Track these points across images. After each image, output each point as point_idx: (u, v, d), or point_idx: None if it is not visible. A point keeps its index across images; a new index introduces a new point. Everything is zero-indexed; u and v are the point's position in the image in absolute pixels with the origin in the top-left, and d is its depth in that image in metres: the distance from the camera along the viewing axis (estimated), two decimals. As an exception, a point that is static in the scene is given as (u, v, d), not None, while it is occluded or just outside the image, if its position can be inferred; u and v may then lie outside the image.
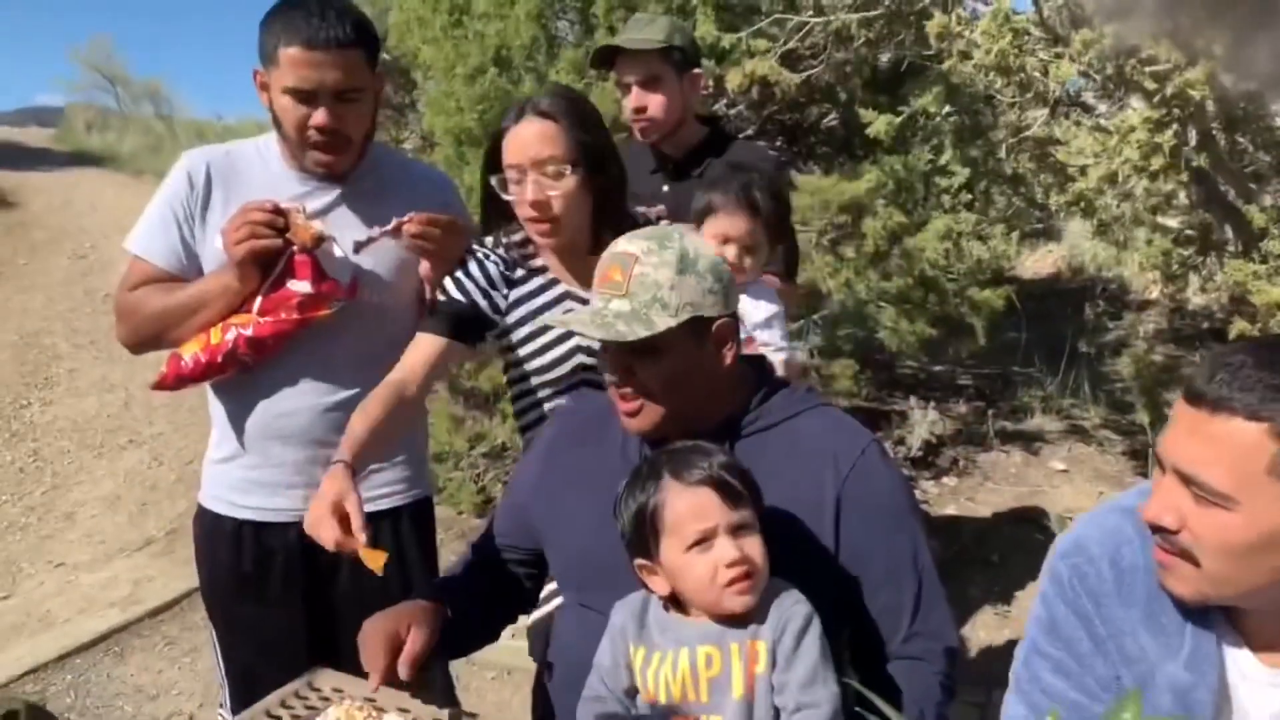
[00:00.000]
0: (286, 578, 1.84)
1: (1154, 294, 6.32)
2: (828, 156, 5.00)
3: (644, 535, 1.25)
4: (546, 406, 1.85)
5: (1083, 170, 3.42)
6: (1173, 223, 4.10)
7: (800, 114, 4.95)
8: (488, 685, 2.84)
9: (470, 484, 4.24)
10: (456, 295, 1.77)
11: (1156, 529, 1.09)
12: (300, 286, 1.68)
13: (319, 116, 1.68)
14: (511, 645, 2.78)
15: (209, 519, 1.87)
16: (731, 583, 1.20)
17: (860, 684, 1.18)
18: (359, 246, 1.75)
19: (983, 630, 3.43)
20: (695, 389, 1.39)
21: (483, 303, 1.77)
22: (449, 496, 4.26)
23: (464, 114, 3.93)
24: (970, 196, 4.61)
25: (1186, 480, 1.05)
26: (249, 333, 1.69)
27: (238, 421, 1.81)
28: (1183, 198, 3.86)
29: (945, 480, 4.56)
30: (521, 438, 1.97)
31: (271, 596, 1.85)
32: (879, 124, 4.00)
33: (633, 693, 1.28)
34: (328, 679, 1.51)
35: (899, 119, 4.11)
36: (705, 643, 1.23)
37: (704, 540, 1.21)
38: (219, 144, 1.88)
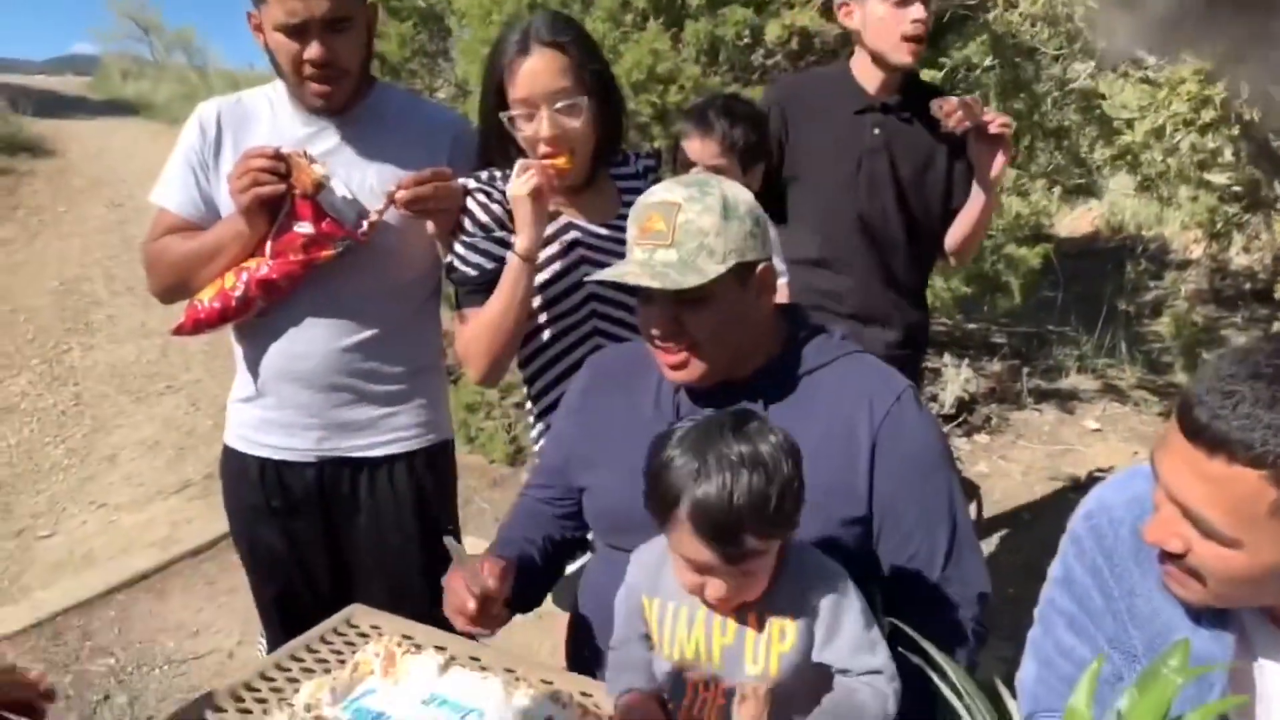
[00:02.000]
0: (307, 515, 1.90)
1: (1195, 253, 6.19)
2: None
3: (658, 515, 1.17)
4: (553, 350, 1.82)
5: (1129, 124, 3.33)
6: (1219, 179, 3.99)
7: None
8: (515, 627, 2.88)
9: (502, 433, 4.28)
10: (471, 264, 1.75)
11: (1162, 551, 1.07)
12: (303, 228, 1.70)
13: (312, 50, 1.68)
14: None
15: (234, 457, 1.92)
16: (713, 602, 1.17)
17: (891, 630, 1.19)
18: (366, 233, 1.73)
19: (1011, 587, 3.43)
20: (740, 335, 1.38)
21: (494, 256, 1.74)
22: (481, 446, 4.31)
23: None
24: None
25: (1188, 514, 1.02)
26: (260, 275, 1.72)
27: (255, 363, 1.84)
28: (1229, 154, 3.76)
29: (977, 438, 4.53)
30: (528, 387, 1.91)
31: (294, 532, 1.91)
32: (922, 76, 3.92)
33: (649, 641, 1.28)
34: (365, 616, 1.54)
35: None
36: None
37: (699, 569, 1.15)
38: (234, 93, 1.90)
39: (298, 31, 1.67)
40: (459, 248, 1.76)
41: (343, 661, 1.38)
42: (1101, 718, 0.74)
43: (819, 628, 1.18)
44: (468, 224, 1.75)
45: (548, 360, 1.85)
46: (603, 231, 1.82)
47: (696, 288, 1.29)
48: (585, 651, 1.54)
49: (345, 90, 1.76)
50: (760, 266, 1.37)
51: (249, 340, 1.86)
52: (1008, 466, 4.31)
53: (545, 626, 2.58)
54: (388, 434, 1.88)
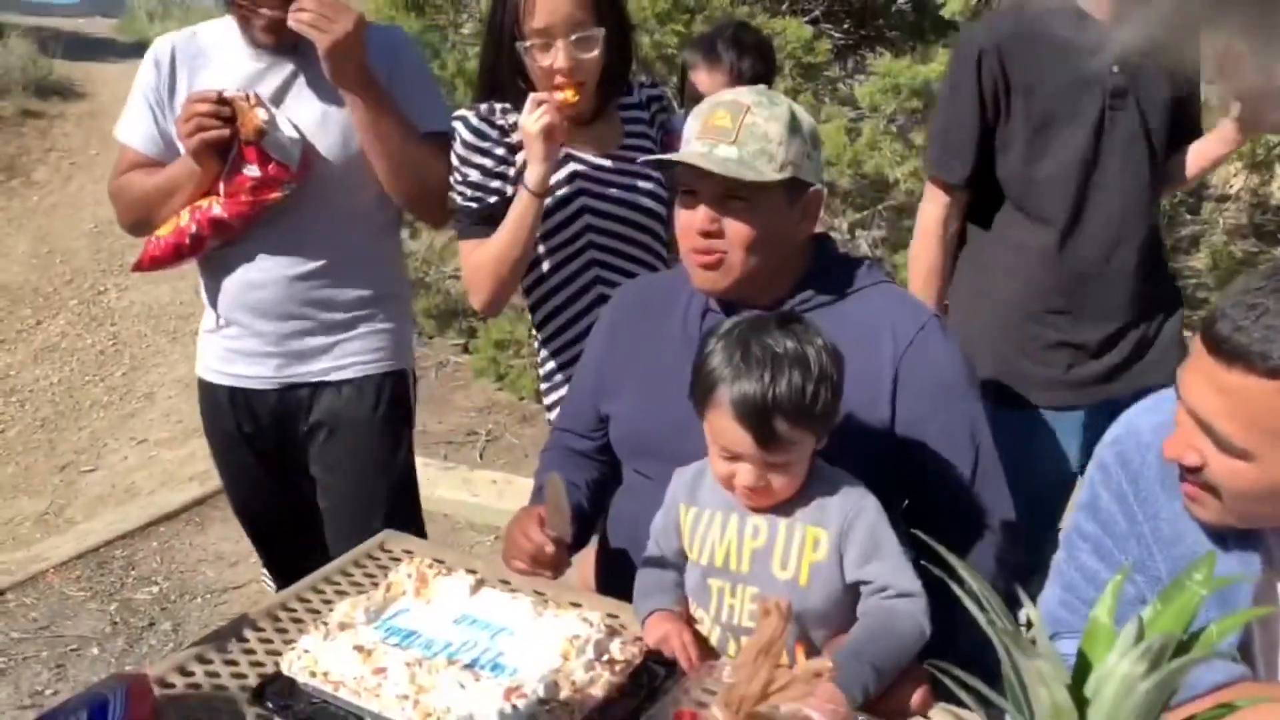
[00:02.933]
0: (274, 441, 1.96)
1: (1235, 187, 6.02)
2: (898, 40, 4.79)
3: (698, 401, 1.24)
4: (553, 280, 1.84)
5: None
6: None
7: (870, -5, 4.73)
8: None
9: (531, 370, 4.30)
10: (471, 197, 1.77)
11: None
12: (251, 171, 1.73)
13: None
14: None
15: (205, 388, 1.98)
16: (742, 493, 1.23)
17: (914, 559, 1.20)
18: (302, 170, 1.77)
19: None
20: (775, 252, 1.38)
21: (495, 190, 1.77)
22: (511, 383, 4.34)
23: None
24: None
25: (1204, 427, 1.02)
26: (211, 214, 1.75)
27: (216, 296, 1.90)
28: (1277, 81, 3.63)
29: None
30: (531, 315, 1.93)
31: (266, 457, 1.98)
32: (954, 3, 3.81)
33: (682, 555, 1.32)
34: (397, 541, 1.58)
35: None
36: (754, 513, 1.25)
37: (731, 457, 1.21)
38: (188, 28, 1.91)
39: None
40: (461, 180, 1.78)
41: (376, 584, 1.41)
42: (1123, 627, 0.74)
43: (853, 545, 1.21)
44: (471, 156, 1.77)
45: (548, 290, 1.86)
46: (603, 163, 1.82)
47: (747, 187, 1.30)
48: (614, 579, 1.56)
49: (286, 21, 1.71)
50: (811, 189, 1.38)
51: (210, 274, 1.90)
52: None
53: (566, 575, 2.62)
54: (342, 359, 1.92)
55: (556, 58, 1.69)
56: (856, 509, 1.22)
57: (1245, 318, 0.96)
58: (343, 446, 1.94)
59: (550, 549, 1.36)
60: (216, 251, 1.83)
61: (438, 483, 3.69)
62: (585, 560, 1.74)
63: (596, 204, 1.81)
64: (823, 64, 4.04)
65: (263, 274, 1.84)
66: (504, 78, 1.78)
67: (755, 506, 1.24)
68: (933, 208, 2.04)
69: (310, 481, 1.99)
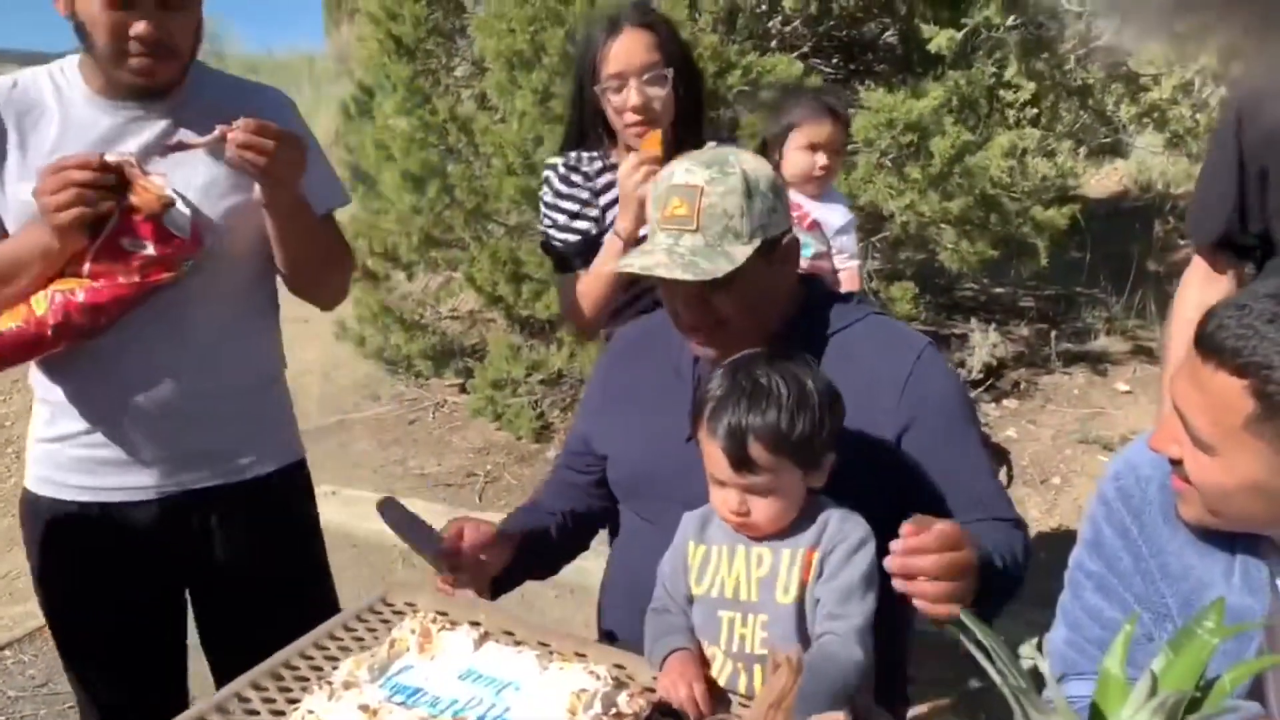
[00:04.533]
0: (147, 559, 1.67)
1: (1227, 210, 6.07)
2: (886, 74, 4.85)
3: (693, 427, 1.30)
4: (625, 316, 1.95)
5: (1155, 79, 3.27)
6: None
7: (858, 30, 4.79)
8: (551, 602, 2.92)
9: (528, 410, 4.30)
10: (559, 239, 1.96)
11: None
12: (141, 248, 1.48)
13: (140, 26, 1.46)
14: (574, 564, 2.87)
15: (43, 505, 1.65)
16: (730, 521, 1.28)
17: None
18: (165, 150, 1.53)
19: (1044, 552, 3.41)
20: (767, 308, 1.41)
21: (580, 231, 1.95)
22: (508, 423, 4.33)
23: (516, 36, 3.88)
24: (1036, 111, 4.45)
25: (1182, 418, 1.06)
26: (83, 300, 1.47)
27: (81, 396, 1.60)
28: (1262, 107, 3.68)
29: (1006, 403, 4.50)
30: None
31: (131, 579, 1.68)
32: (940, 38, 3.87)
33: (689, 599, 1.33)
34: (400, 594, 1.56)
35: (961, 33, 3.97)
36: (759, 543, 1.28)
37: (718, 484, 1.27)
38: (4, 76, 1.60)
39: (125, 4, 1.45)
40: (551, 224, 1.98)
41: (379, 639, 1.40)
42: (1136, 679, 0.74)
43: (828, 564, 1.24)
44: (559, 202, 1.97)
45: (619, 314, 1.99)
46: None
47: (730, 272, 1.31)
48: (614, 621, 1.56)
49: (171, 72, 1.54)
50: (785, 239, 1.39)
51: (67, 370, 1.59)
52: (1037, 431, 4.28)
53: (579, 601, 2.61)
54: (241, 459, 1.70)
55: (630, 96, 1.86)
56: (844, 533, 1.25)
57: (1230, 317, 1.00)
58: (253, 551, 1.73)
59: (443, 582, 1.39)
60: (76, 344, 1.52)
61: (436, 526, 3.67)
62: (591, 604, 1.74)
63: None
64: (812, 99, 4.08)
65: (144, 365, 1.58)
66: (587, 127, 1.98)
67: (752, 536, 1.28)
68: (1187, 277, 1.84)
69: (180, 594, 1.76)
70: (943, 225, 4.12)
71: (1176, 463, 1.09)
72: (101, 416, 1.60)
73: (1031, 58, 4.25)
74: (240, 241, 1.63)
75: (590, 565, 1.91)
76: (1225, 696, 0.71)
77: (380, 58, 4.48)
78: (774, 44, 4.43)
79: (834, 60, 4.79)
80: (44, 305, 1.47)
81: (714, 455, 1.25)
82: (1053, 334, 4.98)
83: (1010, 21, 4.12)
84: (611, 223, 1.93)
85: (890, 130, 3.85)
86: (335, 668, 1.29)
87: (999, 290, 5.51)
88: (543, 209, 2.01)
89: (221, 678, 1.76)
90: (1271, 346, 0.96)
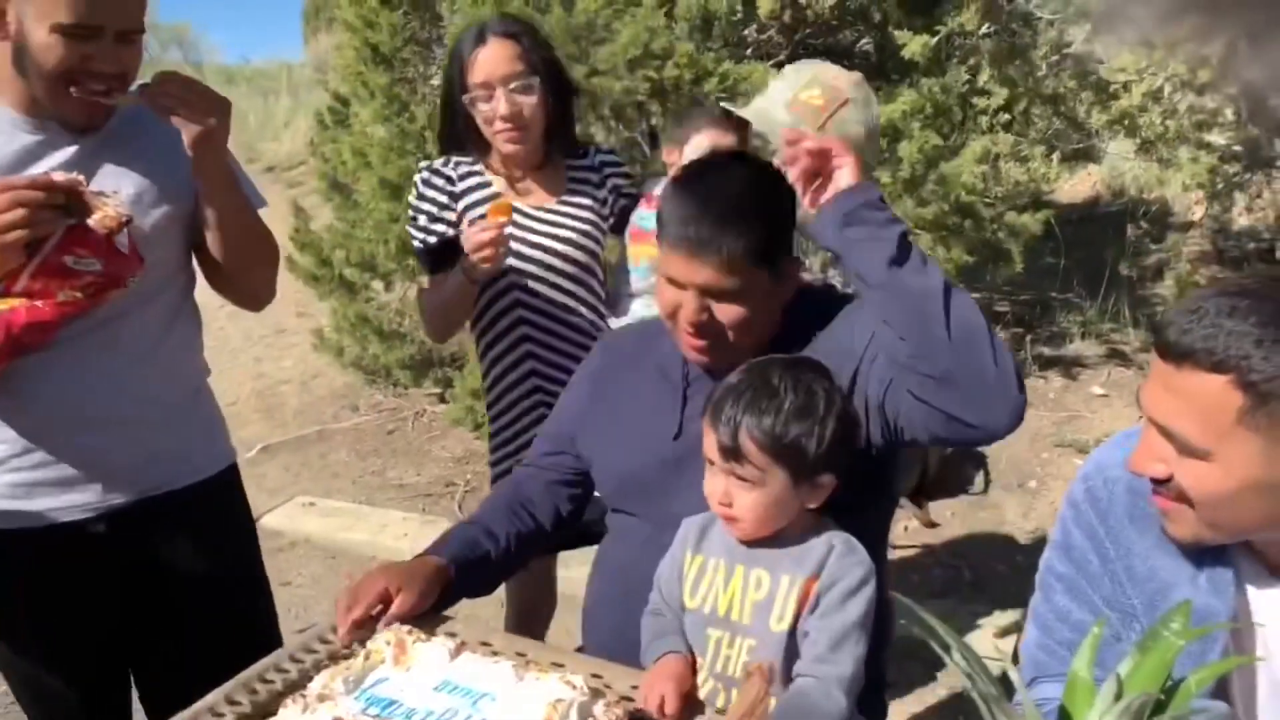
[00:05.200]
0: (92, 581, 1.65)
1: (1197, 215, 6.15)
2: (861, 81, 4.89)
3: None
4: (484, 320, 2.07)
5: (1125, 86, 3.31)
6: (1219, 140, 3.97)
7: (833, 38, 4.82)
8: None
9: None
10: (422, 235, 2.03)
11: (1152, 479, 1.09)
12: (87, 265, 1.47)
13: (101, 63, 1.46)
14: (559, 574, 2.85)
15: None
16: (716, 510, 1.30)
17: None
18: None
19: (1019, 555, 3.44)
20: (763, 322, 1.44)
21: (438, 233, 2.02)
22: (488, 431, 4.31)
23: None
24: (1009, 118, 4.49)
25: (1164, 432, 1.04)
26: (27, 319, 1.45)
27: (14, 418, 1.56)
28: (1229, 113, 3.73)
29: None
30: (483, 355, 2.11)
31: (73, 603, 1.64)
32: (914, 45, 3.90)
33: (683, 605, 1.33)
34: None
35: (934, 39, 4.00)
36: (758, 565, 1.27)
37: (709, 464, 1.30)
38: None
39: (84, 36, 1.43)
40: (414, 223, 2.05)
41: (354, 651, 1.39)
42: (1103, 681, 0.75)
43: (824, 601, 1.23)
44: (421, 203, 2.04)
45: (481, 329, 2.09)
46: (535, 213, 2.03)
47: (728, 278, 1.36)
48: (603, 625, 1.56)
49: (110, 107, 1.54)
50: (789, 260, 1.45)
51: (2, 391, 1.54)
52: (1013, 435, 4.30)
53: (556, 612, 2.59)
54: (177, 465, 1.69)
55: (498, 105, 1.93)
56: (845, 571, 1.24)
57: (1189, 320, 1.00)
58: (193, 557, 1.72)
59: (358, 613, 1.37)
60: (11, 363, 1.49)
61: (417, 537, 3.65)
62: (570, 615, 1.74)
63: (523, 249, 2.00)
64: (788, 106, 4.11)
65: (76, 383, 1.55)
66: (461, 133, 2.03)
67: (738, 536, 1.29)
68: None
69: (137, 620, 1.72)
70: (918, 231, 4.15)
71: (1161, 482, 1.07)
72: (34, 438, 1.56)
73: (1004, 64, 4.29)
74: (167, 254, 1.63)
75: (575, 575, 1.91)
76: (1191, 698, 0.72)
77: (357, 66, 4.47)
78: (749, 52, 4.46)
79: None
80: None
81: (709, 439, 1.28)
82: (1028, 338, 5.02)
83: (984, 29, 4.16)
84: (469, 223, 1.99)
85: (864, 136, 3.87)
86: (310, 680, 1.28)
87: (974, 295, 5.53)
88: (409, 211, 2.09)
89: (152, 688, 1.76)
90: (1241, 337, 0.96)
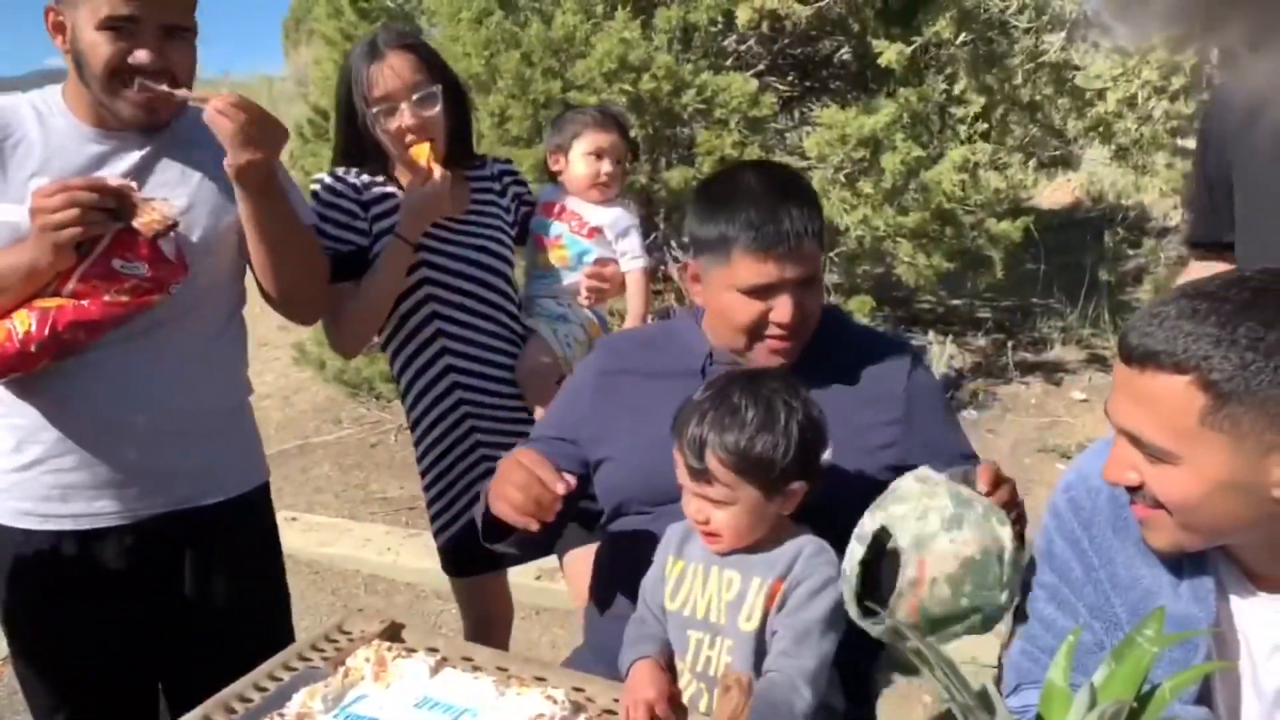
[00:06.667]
0: (121, 589, 1.65)
1: (1174, 220, 6.22)
2: (841, 91, 4.91)
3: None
4: (400, 334, 2.02)
5: (1101, 94, 3.35)
6: (1194, 144, 4.01)
7: (812, 47, 4.86)
8: (515, 625, 2.90)
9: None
10: (332, 243, 1.90)
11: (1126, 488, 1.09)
12: (134, 269, 1.50)
13: (141, 55, 1.49)
14: (536, 586, 2.85)
15: (10, 536, 1.62)
16: (696, 529, 1.31)
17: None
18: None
19: (1004, 560, 3.45)
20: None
21: (350, 242, 1.93)
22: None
23: (471, 59, 3.89)
24: (986, 126, 4.53)
25: (1132, 439, 1.04)
26: (74, 317, 1.49)
27: (53, 419, 1.57)
28: (1204, 119, 3.77)
29: (965, 414, 4.55)
30: (401, 370, 2.06)
31: (102, 611, 1.64)
32: (890, 53, 3.93)
33: (665, 613, 1.34)
34: (356, 621, 1.54)
35: (911, 47, 4.04)
36: (730, 567, 1.30)
37: (681, 487, 1.31)
38: None
39: (128, 32, 1.48)
40: (321, 232, 1.90)
41: (328, 665, 1.38)
42: (1078, 689, 0.75)
43: (791, 598, 1.25)
44: (327, 211, 1.93)
45: (398, 344, 2.04)
46: (446, 223, 1.99)
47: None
48: (606, 622, 1.55)
49: (172, 107, 1.58)
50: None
51: (37, 393, 1.57)
52: (996, 441, 4.33)
53: (544, 622, 2.60)
54: (211, 482, 1.70)
55: (403, 118, 1.88)
56: (810, 569, 1.26)
57: (1150, 325, 1.01)
58: (222, 574, 1.73)
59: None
60: (52, 367, 1.52)
61: (400, 551, 3.63)
62: (557, 625, 1.73)
63: (437, 259, 1.98)
64: (768, 117, 4.13)
65: (121, 388, 1.57)
66: (360, 150, 1.97)
67: (717, 550, 1.30)
68: (1181, 280, 1.71)
69: (162, 633, 1.72)
70: (898, 239, 4.18)
71: (1135, 489, 1.07)
72: (73, 440, 1.58)
73: (981, 73, 4.33)
74: (217, 267, 1.66)
75: (558, 587, 1.91)
76: (1166, 705, 0.72)
77: (335, 78, 4.46)
78: (729, 62, 4.48)
79: (789, 78, 4.85)
80: (27, 322, 1.47)
81: (679, 461, 1.29)
82: (1009, 344, 5.05)
83: (960, 38, 4.21)
84: (380, 235, 1.94)
85: (843, 146, 3.90)
86: (288, 699, 1.27)
87: (956, 302, 5.59)
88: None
89: (178, 701, 1.74)
90: (1201, 338, 0.97)
